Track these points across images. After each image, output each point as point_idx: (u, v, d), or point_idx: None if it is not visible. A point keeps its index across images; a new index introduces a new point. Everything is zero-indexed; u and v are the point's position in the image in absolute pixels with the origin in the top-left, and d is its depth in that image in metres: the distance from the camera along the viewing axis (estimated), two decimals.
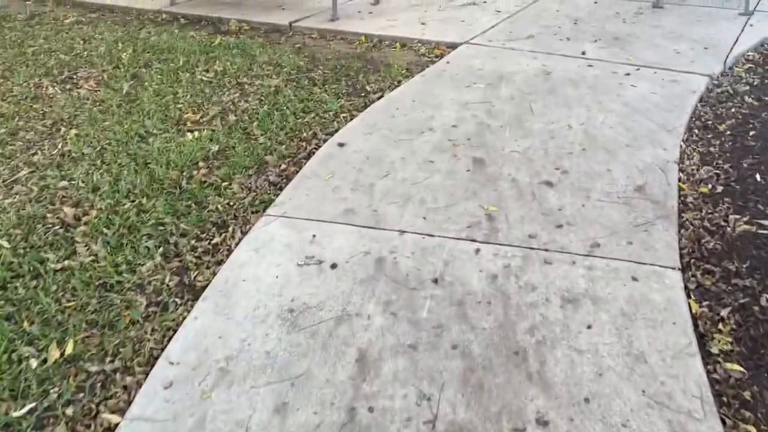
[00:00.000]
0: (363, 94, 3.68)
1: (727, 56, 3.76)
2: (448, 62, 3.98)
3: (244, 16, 5.29)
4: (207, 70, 4.09)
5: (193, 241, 2.41)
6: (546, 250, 2.22)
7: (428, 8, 5.22)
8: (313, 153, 3.00)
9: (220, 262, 2.27)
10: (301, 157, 3.01)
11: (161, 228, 2.48)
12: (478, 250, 2.23)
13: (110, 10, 5.82)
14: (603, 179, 2.62)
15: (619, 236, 2.27)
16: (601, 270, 2.11)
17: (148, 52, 4.49)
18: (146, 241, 2.40)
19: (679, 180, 2.60)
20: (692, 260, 2.16)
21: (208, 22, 5.31)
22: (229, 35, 4.91)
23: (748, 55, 3.84)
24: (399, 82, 3.79)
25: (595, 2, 5.10)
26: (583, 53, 3.94)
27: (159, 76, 4.00)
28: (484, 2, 5.30)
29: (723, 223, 2.34)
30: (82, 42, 4.81)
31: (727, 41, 4.00)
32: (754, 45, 3.96)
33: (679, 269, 2.09)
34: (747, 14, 4.49)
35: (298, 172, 2.84)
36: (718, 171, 2.68)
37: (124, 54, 4.45)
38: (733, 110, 3.18)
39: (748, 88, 3.41)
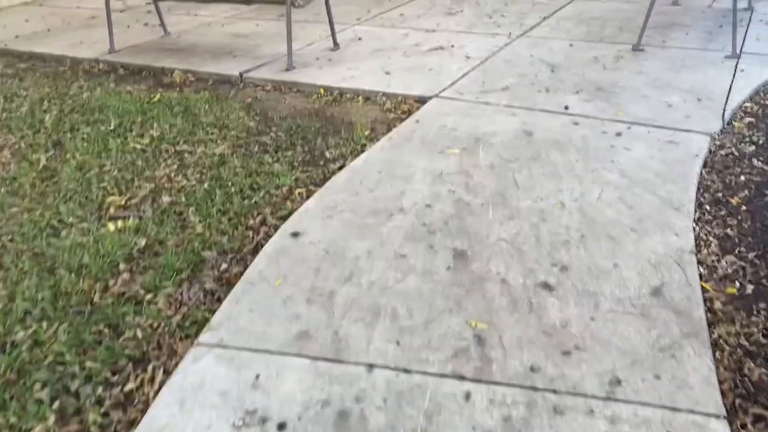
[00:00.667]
0: (322, 163, 3.20)
1: (724, 109, 3.41)
2: (417, 121, 3.53)
3: (190, 66, 4.79)
4: (142, 135, 3.56)
5: (100, 389, 1.86)
6: (554, 391, 1.75)
7: (392, 54, 4.81)
8: (262, 245, 2.49)
9: (131, 425, 1.73)
10: (247, 251, 2.50)
11: (60, 369, 1.93)
12: (468, 395, 1.75)
13: (42, 59, 5.27)
14: (611, 279, 2.18)
15: (642, 366, 1.81)
16: (629, 423, 1.64)
17: (76, 113, 3.94)
18: (39, 391, 1.85)
19: (701, 277, 2.17)
20: (738, 401, 1.71)
21: (150, 73, 4.80)
22: (171, 89, 4.40)
23: (746, 107, 3.50)
24: (363, 146, 3.33)
25: (571, 45, 4.75)
26: (566, 108, 3.55)
27: (85, 144, 3.46)
28: (452, 47, 4.91)
29: (764, 341, 1.91)
30: (2, 100, 4.24)
31: (721, 91, 3.66)
32: (750, 94, 3.63)
33: (724, 417, 1.65)
34: (734, 57, 4.18)
35: (241, 274, 2.33)
36: (742, 263, 2.26)
37: (48, 116, 3.90)
38: (742, 178, 2.80)
39: (753, 148, 3.05)
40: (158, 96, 4.17)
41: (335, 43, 5.04)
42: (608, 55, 4.45)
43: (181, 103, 4.05)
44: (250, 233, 2.61)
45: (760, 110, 3.47)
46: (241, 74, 4.56)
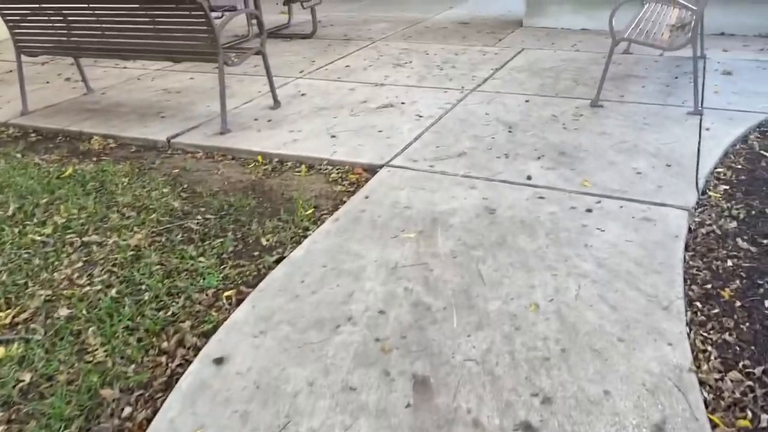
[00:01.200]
0: (257, 254, 2.76)
1: (697, 177, 3.15)
2: (366, 197, 3.15)
3: (111, 130, 4.30)
4: (44, 223, 3.05)
5: None
6: None
7: (338, 113, 4.44)
8: (177, 378, 2.02)
9: None
10: (158, 386, 2.03)
11: None
12: None
13: None
14: (603, 414, 1.81)
15: None
16: None
17: None
18: None
19: (706, 405, 1.83)
20: None
21: (66, 139, 4.28)
22: (87, 159, 3.90)
23: (719, 173, 3.26)
24: (305, 230, 2.91)
25: (527, 101, 4.50)
26: (529, 178, 3.24)
27: None
28: (402, 103, 4.59)
29: None
30: None
31: (690, 154, 3.43)
32: (720, 157, 3.41)
33: None
34: (697, 114, 3.99)
35: (148, 422, 1.85)
36: (750, 382, 1.93)
37: None
38: (730, 263, 2.51)
39: (735, 224, 2.78)
40: (70, 169, 3.66)
41: (276, 101, 4.65)
42: (567, 112, 4.21)
43: (97, 178, 3.56)
44: (164, 359, 2.13)
45: (734, 176, 3.24)
46: (168, 139, 4.10)
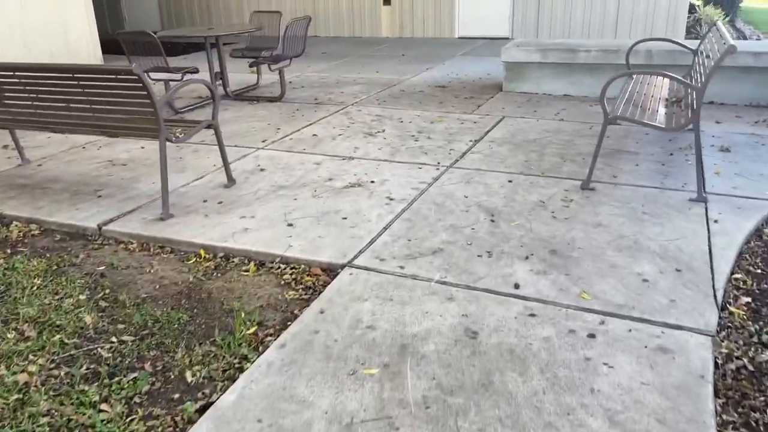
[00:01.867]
0: (177, 397, 2.18)
1: (714, 287, 2.68)
2: (321, 312, 2.60)
3: (37, 213, 3.73)
4: None
5: None
6: None
7: (299, 194, 3.94)
8: None
9: None
10: None
11: None
12: None
13: None
14: None
15: None
16: None
17: None
18: None
19: None
20: None
21: None
22: (1, 251, 3.32)
23: (737, 280, 2.80)
24: (243, 360, 2.34)
25: (510, 181, 4.05)
26: (517, 287, 2.73)
27: None
28: (372, 182, 4.11)
29: None
30: None
31: (700, 255, 2.97)
32: (735, 259, 2.95)
33: None
34: (701, 200, 3.56)
35: None
36: None
37: None
38: None
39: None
40: None
41: (230, 179, 4.13)
42: (555, 197, 3.75)
43: (2, 279, 2.97)
44: None
45: (755, 284, 2.77)
46: (99, 227, 3.54)
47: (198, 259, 3.19)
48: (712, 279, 2.75)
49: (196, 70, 6.26)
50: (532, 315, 2.52)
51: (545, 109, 5.98)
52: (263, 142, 5.15)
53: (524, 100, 6.39)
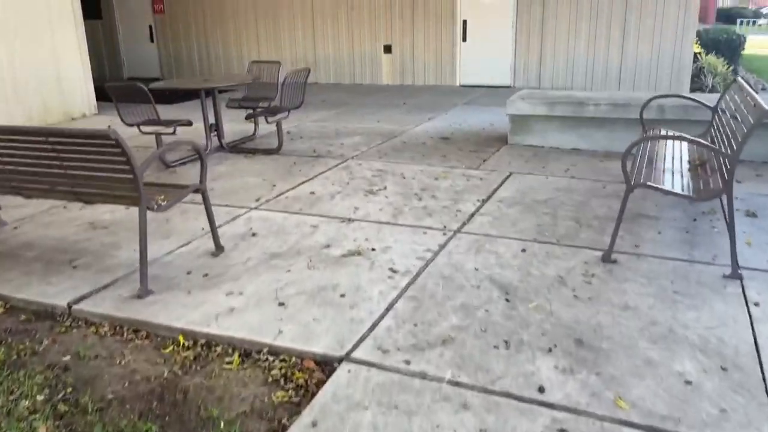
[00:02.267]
0: None
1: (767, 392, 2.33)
2: (314, 424, 2.23)
3: (5, 287, 3.39)
4: None
5: None
6: None
7: (293, 264, 3.60)
8: None
9: None
10: None
11: None
12: None
13: None
14: None
15: None
16: None
17: None
18: None
19: None
20: None
21: None
22: None
23: None
24: None
25: (523, 250, 3.72)
26: (541, 390, 2.36)
27: None
28: (373, 250, 3.78)
29: None
30: None
31: (746, 349, 2.61)
32: None
33: None
34: (736, 277, 3.23)
35: None
36: None
37: None
38: None
39: None
40: None
41: (218, 246, 3.81)
42: (575, 271, 3.41)
43: None
44: None
45: None
46: (69, 305, 3.18)
47: (176, 347, 2.82)
48: (764, 381, 2.39)
49: (189, 123, 6.00)
50: (563, 431, 2.15)
51: (554, 165, 5.70)
52: (257, 200, 4.84)
53: (531, 154, 6.12)
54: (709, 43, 13.37)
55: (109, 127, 2.96)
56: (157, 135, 5.84)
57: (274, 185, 5.27)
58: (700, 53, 12.24)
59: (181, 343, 2.85)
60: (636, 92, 10.26)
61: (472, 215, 4.38)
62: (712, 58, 11.81)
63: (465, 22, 11.05)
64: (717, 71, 10.90)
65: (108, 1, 13.66)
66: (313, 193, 5.03)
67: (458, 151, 6.38)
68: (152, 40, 13.54)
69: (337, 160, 6.08)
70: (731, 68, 12.08)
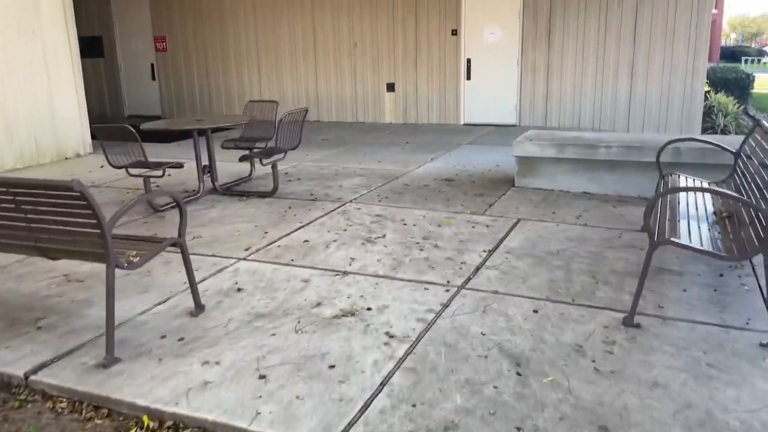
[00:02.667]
0: None
1: None
2: None
3: None
4: None
5: None
6: None
7: (279, 326, 3.25)
8: None
9: None
10: None
11: None
12: None
13: None
14: None
15: None
16: None
17: None
18: None
19: None
20: None
21: None
22: None
23: None
24: None
25: (535, 311, 3.36)
26: None
27: None
28: (368, 310, 3.42)
29: None
30: None
31: None
32: None
33: None
34: None
35: None
36: None
37: None
38: None
39: None
40: None
41: (198, 305, 3.46)
42: (594, 337, 3.05)
43: None
44: None
45: None
46: (26, 375, 2.83)
47: (139, 430, 2.46)
48: None
49: (179, 165, 5.73)
50: None
51: (565, 211, 5.38)
52: (246, 250, 4.52)
53: (540, 199, 5.80)
54: (717, 81, 13.18)
55: (73, 180, 2.65)
56: (146, 178, 5.57)
57: (266, 232, 4.95)
58: (709, 92, 12.04)
59: (146, 425, 2.49)
60: (648, 133, 10.00)
61: (478, 268, 4.03)
62: (722, 96, 11.59)
63: (469, 60, 10.89)
64: (728, 110, 10.66)
65: (111, 40, 13.64)
66: (306, 241, 4.70)
67: (463, 194, 6.07)
68: (154, 78, 13.45)
69: (335, 204, 5.78)
70: (742, 107, 11.85)
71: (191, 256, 3.93)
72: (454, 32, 10.87)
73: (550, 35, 10.34)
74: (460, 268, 4.04)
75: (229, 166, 7.61)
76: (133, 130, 5.27)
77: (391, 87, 11.52)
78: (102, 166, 7.84)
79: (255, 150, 6.24)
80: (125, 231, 4.83)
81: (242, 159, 6.01)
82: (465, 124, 11.17)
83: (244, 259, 4.34)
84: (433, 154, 8.38)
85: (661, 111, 10.00)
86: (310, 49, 11.98)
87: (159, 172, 5.50)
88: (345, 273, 4.02)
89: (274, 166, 6.11)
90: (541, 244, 4.51)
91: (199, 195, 6.17)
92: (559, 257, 4.20)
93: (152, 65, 13.39)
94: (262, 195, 6.21)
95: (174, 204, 5.84)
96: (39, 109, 8.22)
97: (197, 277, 3.84)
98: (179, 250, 3.38)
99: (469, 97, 11.07)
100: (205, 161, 6.31)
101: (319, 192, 6.30)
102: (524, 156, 6.22)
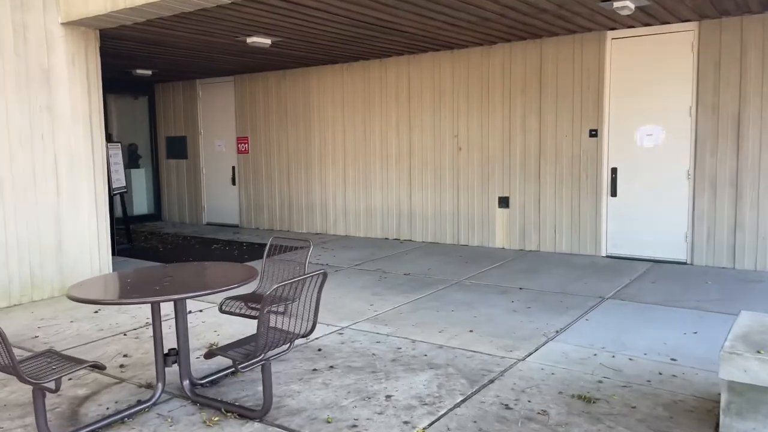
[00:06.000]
0: None
1: None
2: None
3: None
4: None
5: None
6: None
7: None
8: None
9: None
10: None
11: None
12: None
13: None
14: None
15: None
16: None
17: None
18: None
19: None
20: None
21: None
22: None
23: None
24: None
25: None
26: None
27: None
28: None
29: None
30: None
31: None
32: None
33: None
34: None
35: None
36: None
37: None
38: None
39: None
40: None
41: None
42: None
43: None
44: None
45: None
46: None
47: None
48: None
49: (101, 366, 3.33)
50: None
51: None
52: None
53: None
54: None
55: None
56: (36, 390, 3.21)
57: None
58: None
59: None
60: None
61: None
62: None
63: (614, 170, 7.93)
64: None
65: (195, 140, 12.42)
66: None
67: None
68: (234, 183, 11.89)
69: None
70: None
71: None
72: (593, 133, 8.04)
73: (740, 137, 7.16)
74: None
75: (228, 329, 5.17)
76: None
77: (504, 202, 8.79)
78: (96, 311, 5.78)
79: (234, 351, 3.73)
80: None
81: (208, 356, 3.51)
82: (608, 257, 8.05)
83: None
84: (558, 317, 5.39)
85: None
86: (404, 153, 9.70)
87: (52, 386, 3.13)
88: None
89: (265, 374, 3.53)
90: None
91: (154, 401, 3.72)
92: None
93: (233, 168, 11.88)
94: (243, 414, 3.60)
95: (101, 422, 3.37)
96: (39, 233, 6.45)
97: None
98: None
99: (615, 219, 8.00)
100: (170, 343, 3.91)
101: (347, 415, 3.58)
102: (743, 383, 3.12)
